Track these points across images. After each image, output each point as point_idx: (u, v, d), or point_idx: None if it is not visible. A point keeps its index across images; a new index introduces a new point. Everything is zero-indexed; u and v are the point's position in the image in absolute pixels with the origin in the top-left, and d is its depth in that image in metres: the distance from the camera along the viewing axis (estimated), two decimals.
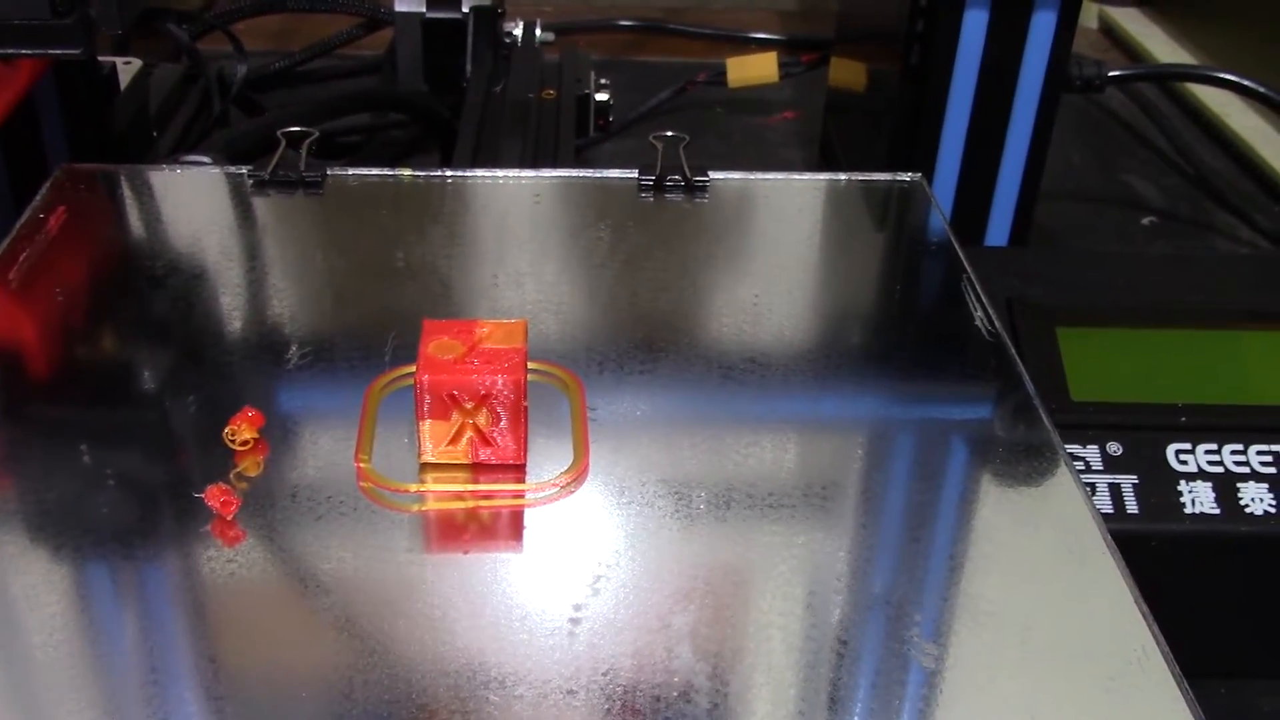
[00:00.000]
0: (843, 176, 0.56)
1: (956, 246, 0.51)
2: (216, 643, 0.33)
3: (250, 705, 0.31)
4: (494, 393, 0.37)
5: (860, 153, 0.76)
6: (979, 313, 0.47)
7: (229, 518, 0.36)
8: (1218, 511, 0.48)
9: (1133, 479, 0.49)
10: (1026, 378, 0.43)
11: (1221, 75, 0.80)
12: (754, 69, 0.95)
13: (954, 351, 0.45)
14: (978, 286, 0.48)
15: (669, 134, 0.56)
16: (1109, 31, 1.18)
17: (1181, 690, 0.32)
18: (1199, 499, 0.49)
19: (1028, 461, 0.40)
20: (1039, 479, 0.39)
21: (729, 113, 0.99)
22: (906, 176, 0.56)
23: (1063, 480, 0.39)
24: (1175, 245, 0.84)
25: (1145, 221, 0.87)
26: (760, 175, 0.56)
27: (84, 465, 0.38)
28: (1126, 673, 0.33)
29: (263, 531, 0.36)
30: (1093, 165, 0.93)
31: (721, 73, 0.95)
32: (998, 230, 0.66)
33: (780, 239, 0.52)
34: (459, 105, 0.77)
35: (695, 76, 0.96)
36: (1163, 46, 1.10)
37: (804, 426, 0.42)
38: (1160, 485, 0.49)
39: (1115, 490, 0.49)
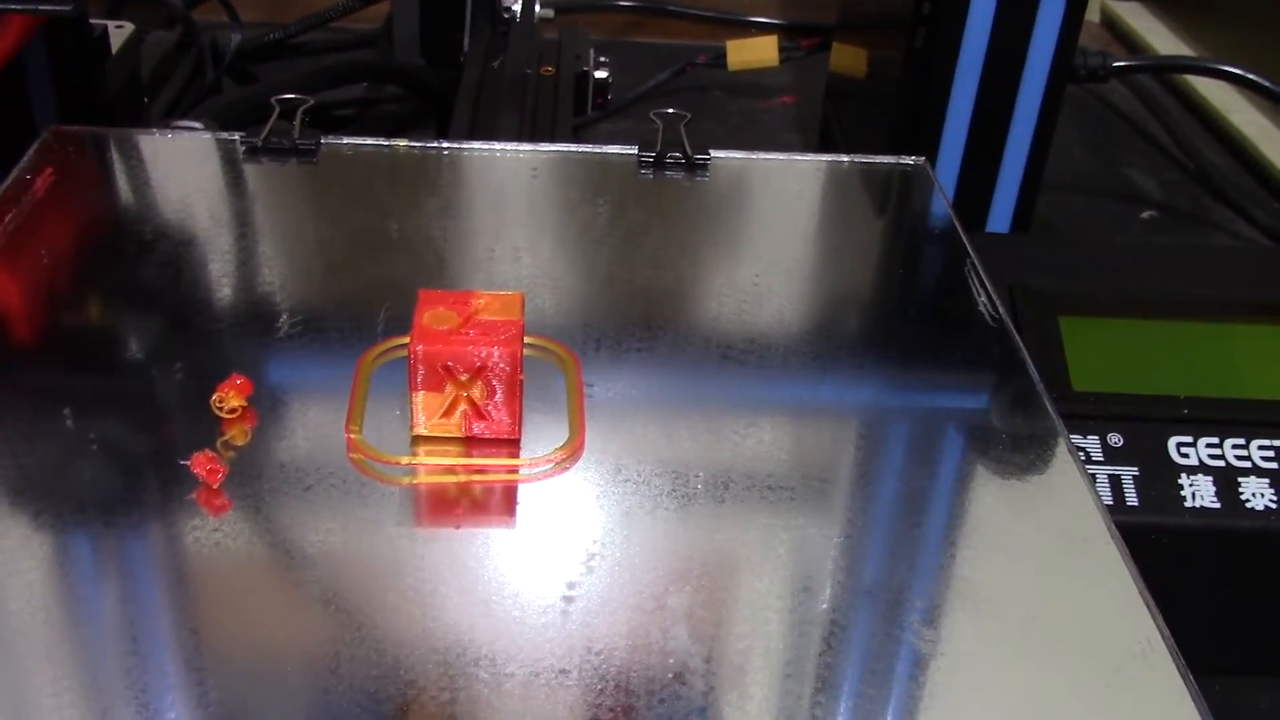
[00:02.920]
0: (846, 158, 0.55)
1: (960, 231, 0.50)
2: (200, 615, 0.32)
3: (234, 679, 0.30)
4: (489, 365, 0.36)
5: (861, 139, 0.75)
6: (982, 298, 0.46)
7: (215, 486, 0.35)
8: (1218, 505, 0.48)
9: (1133, 471, 0.48)
10: (1030, 365, 0.42)
11: (1226, 68, 0.80)
12: (754, 52, 0.94)
13: (957, 337, 0.44)
14: (981, 272, 0.47)
15: (670, 111, 0.55)
16: (1111, 25, 1.17)
17: (1186, 683, 0.31)
18: (1199, 492, 0.48)
19: (1031, 450, 0.39)
20: (1042, 468, 0.38)
21: (727, 96, 0.98)
22: (910, 160, 0.55)
23: (1066, 469, 0.38)
24: (1174, 239, 0.84)
25: (1144, 215, 0.86)
26: (762, 155, 0.55)
27: (67, 430, 0.37)
28: (1130, 664, 0.32)
29: (249, 501, 0.35)
30: (1093, 158, 0.93)
31: (721, 55, 0.94)
32: (999, 218, 0.66)
33: (782, 220, 0.52)
34: (456, 80, 0.76)
35: (694, 58, 0.95)
36: (1164, 40, 1.10)
37: (804, 410, 0.41)
38: (1161, 478, 0.48)
39: (1115, 482, 0.48)
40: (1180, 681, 0.31)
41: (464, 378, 0.36)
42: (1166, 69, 0.98)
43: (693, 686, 0.30)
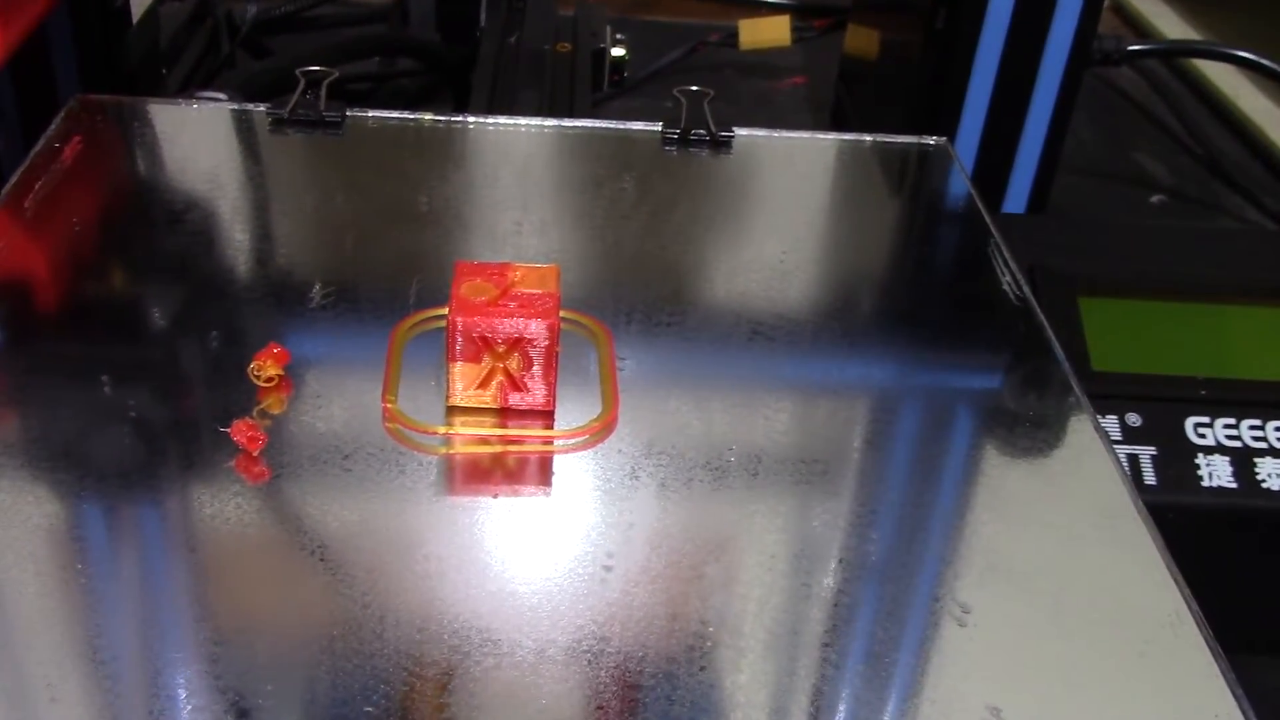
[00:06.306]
0: (868, 137, 0.56)
1: (984, 211, 0.50)
2: (246, 576, 0.32)
3: (277, 644, 0.30)
4: (527, 337, 0.36)
5: (876, 120, 0.75)
6: (1006, 278, 0.46)
7: (254, 453, 0.35)
8: (1235, 485, 0.48)
9: (1151, 450, 0.49)
10: (1056, 343, 0.43)
11: (1239, 54, 0.80)
12: (766, 32, 0.94)
13: (982, 316, 0.45)
14: (1005, 252, 0.48)
15: (693, 88, 0.56)
16: (1119, 9, 1.17)
17: (1215, 656, 0.32)
18: (1216, 472, 0.49)
19: (1058, 427, 0.39)
20: (1070, 445, 0.39)
21: (739, 75, 0.98)
22: (932, 140, 0.55)
23: (1093, 447, 0.39)
24: (1183, 223, 0.84)
25: (1154, 200, 0.86)
26: (785, 133, 0.55)
27: (107, 398, 0.37)
28: (1160, 638, 0.32)
29: (289, 469, 0.35)
30: (1103, 143, 0.93)
31: (733, 34, 0.94)
32: (1016, 198, 0.66)
33: (806, 197, 0.52)
34: (472, 56, 0.76)
35: (706, 37, 0.95)
36: (1173, 26, 1.10)
37: (834, 386, 0.41)
38: (1178, 457, 0.49)
39: (1133, 461, 0.49)
40: (1209, 654, 0.32)
41: (501, 349, 0.37)
42: (1180, 53, 0.98)
43: (731, 652, 0.31)
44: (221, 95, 0.56)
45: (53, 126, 0.50)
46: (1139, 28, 1.13)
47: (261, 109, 0.53)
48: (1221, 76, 0.98)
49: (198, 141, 0.52)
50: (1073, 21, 0.61)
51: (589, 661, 0.30)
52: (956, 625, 0.32)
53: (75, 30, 0.59)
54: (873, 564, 0.34)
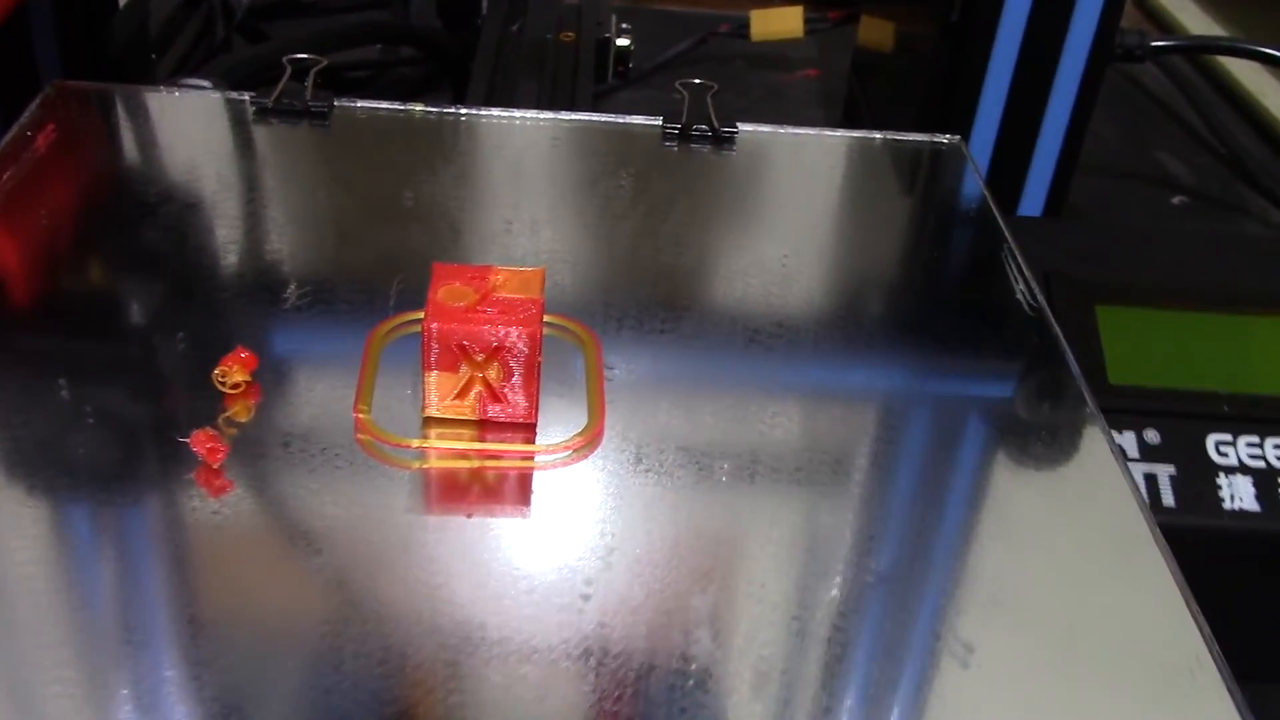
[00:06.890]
0: (878, 135, 0.53)
1: (997, 214, 0.48)
2: (197, 601, 0.30)
3: (231, 670, 0.28)
4: (506, 345, 0.34)
5: (889, 115, 0.73)
6: (1020, 285, 0.44)
7: (215, 465, 0.33)
8: (1258, 508, 0.46)
9: (1170, 469, 0.47)
10: (1070, 356, 0.41)
11: (1266, 50, 0.77)
12: (778, 23, 0.92)
13: (993, 325, 0.43)
14: (1019, 257, 0.45)
15: (696, 81, 0.53)
16: (1143, 3, 1.15)
17: (1237, 704, 0.30)
18: (1238, 493, 0.46)
19: (1070, 446, 0.37)
20: (1083, 465, 0.37)
21: (749, 67, 0.96)
22: (945, 138, 0.53)
23: (1107, 467, 0.36)
24: (1205, 226, 0.82)
25: (1175, 201, 0.84)
26: (791, 129, 0.53)
27: (62, 402, 0.35)
28: (1177, 681, 0.30)
29: (250, 482, 0.33)
30: (1124, 141, 0.90)
31: (744, 25, 0.92)
32: (1032, 200, 0.64)
33: (811, 197, 0.50)
34: (473, 44, 0.74)
35: (717, 27, 0.93)
36: (1198, 21, 1.07)
37: (833, 397, 0.39)
38: (1199, 477, 0.47)
39: (1151, 480, 0.46)
40: (1230, 700, 0.30)
41: (480, 358, 0.35)
42: (1204, 50, 0.96)
43: (715, 694, 0.29)
44: (205, 83, 0.54)
45: (27, 113, 0.48)
46: (1163, 23, 1.10)
47: (246, 98, 0.51)
48: (1247, 74, 0.95)
49: (178, 131, 0.50)
50: (1094, 16, 0.59)
51: (561, 701, 0.28)
52: (959, 666, 0.30)
53: (57, 13, 0.57)
54: (871, 597, 0.32)
